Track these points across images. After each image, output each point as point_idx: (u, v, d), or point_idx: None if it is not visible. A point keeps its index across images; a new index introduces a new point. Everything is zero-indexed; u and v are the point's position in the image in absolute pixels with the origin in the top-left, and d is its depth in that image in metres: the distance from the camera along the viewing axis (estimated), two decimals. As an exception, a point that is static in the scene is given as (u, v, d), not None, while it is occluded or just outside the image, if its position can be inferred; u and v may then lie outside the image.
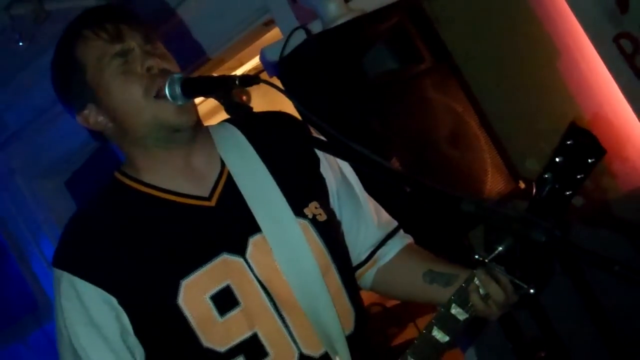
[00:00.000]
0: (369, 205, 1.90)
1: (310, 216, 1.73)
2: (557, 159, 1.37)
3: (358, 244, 1.87)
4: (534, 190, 1.41)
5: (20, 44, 3.50)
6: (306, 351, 1.66)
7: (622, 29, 2.79)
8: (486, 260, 1.35)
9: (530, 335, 3.01)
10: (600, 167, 2.93)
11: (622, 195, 2.97)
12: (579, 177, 1.38)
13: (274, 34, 3.72)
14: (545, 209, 1.37)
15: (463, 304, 1.53)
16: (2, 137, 4.72)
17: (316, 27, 3.04)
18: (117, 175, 1.74)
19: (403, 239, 1.93)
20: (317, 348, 1.67)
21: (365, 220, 1.87)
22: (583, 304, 3.01)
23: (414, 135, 2.82)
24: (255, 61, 4.77)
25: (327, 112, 2.67)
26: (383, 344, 4.86)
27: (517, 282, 1.35)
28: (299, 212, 1.72)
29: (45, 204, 4.80)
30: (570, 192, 1.38)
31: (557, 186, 1.37)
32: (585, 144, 1.36)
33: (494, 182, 2.92)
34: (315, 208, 1.75)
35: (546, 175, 1.38)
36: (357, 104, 2.79)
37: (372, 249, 1.89)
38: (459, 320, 1.53)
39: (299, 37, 2.97)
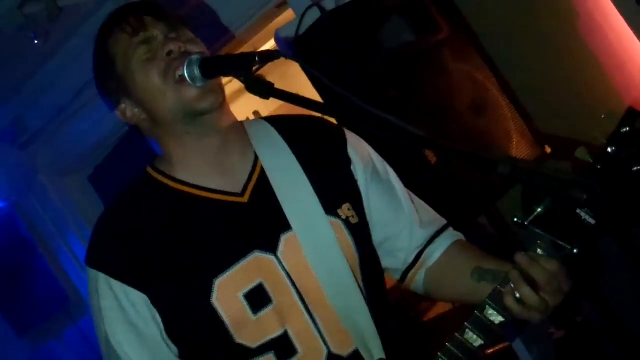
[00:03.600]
0: (411, 205, 1.87)
1: (343, 217, 1.73)
2: (609, 150, 1.25)
3: (404, 247, 1.84)
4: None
5: (36, 42, 3.51)
6: (335, 350, 1.66)
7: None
8: (525, 223, 1.31)
9: (567, 300, 2.97)
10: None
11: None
12: (635, 169, 1.25)
13: (286, 17, 3.69)
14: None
15: (498, 306, 1.46)
16: (24, 137, 4.73)
17: (329, 4, 3.01)
18: (149, 170, 1.75)
19: (451, 237, 1.88)
20: (346, 347, 1.67)
21: (408, 222, 1.84)
22: (628, 264, 2.97)
23: (435, 106, 2.79)
24: (268, 45, 4.74)
25: (346, 88, 2.64)
26: (415, 321, 4.86)
27: (559, 242, 1.30)
28: (332, 212, 1.72)
29: (70, 200, 4.81)
30: (630, 187, 1.24)
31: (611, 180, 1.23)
32: None
33: (520, 149, 2.89)
34: (348, 210, 1.75)
35: (597, 167, 1.26)
36: (375, 79, 2.76)
37: (419, 249, 1.85)
38: (494, 323, 1.47)
39: (313, 15, 2.94)
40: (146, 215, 1.69)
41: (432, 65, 2.87)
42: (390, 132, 1.36)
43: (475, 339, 1.48)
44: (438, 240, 1.85)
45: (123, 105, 1.72)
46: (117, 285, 1.63)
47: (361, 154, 1.83)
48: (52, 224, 4.87)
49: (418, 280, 1.87)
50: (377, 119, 1.36)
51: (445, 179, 2.68)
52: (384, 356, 1.67)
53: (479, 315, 1.48)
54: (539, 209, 1.30)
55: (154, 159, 1.77)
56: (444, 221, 1.90)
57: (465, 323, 1.49)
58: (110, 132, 4.13)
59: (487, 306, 1.47)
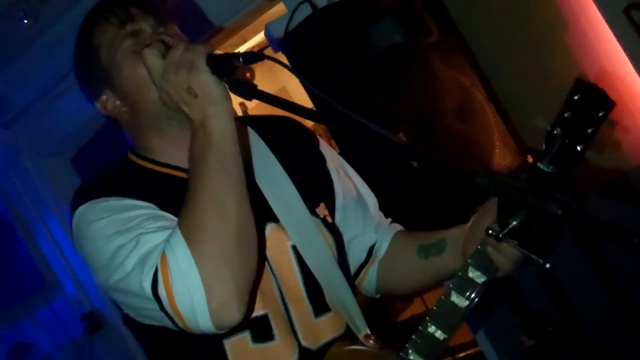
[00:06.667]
0: (375, 205, 1.92)
1: (321, 216, 1.76)
2: (565, 115, 1.34)
3: (363, 245, 1.87)
4: (544, 147, 1.39)
5: (25, 21, 3.49)
6: (305, 343, 1.67)
7: (632, 0, 2.76)
8: (500, 235, 1.33)
9: (539, 310, 3.01)
10: (613, 139, 2.92)
11: (638, 166, 2.95)
12: (589, 131, 1.35)
13: (278, 10, 3.69)
14: (556, 165, 1.35)
15: (481, 266, 1.49)
16: (8, 115, 4.71)
17: (321, 1, 3.01)
18: (131, 156, 1.75)
19: (393, 228, 1.93)
20: (315, 341, 1.69)
21: (372, 221, 1.89)
22: (599, 278, 3.00)
23: (421, 109, 2.80)
24: (258, 37, 4.74)
25: (333, 87, 2.65)
26: (389, 319, 4.89)
27: (533, 256, 1.33)
28: (312, 210, 1.74)
29: (51, 181, 4.79)
30: (582, 146, 1.35)
31: (567, 141, 1.34)
32: (593, 97, 1.33)
33: (502, 157, 2.91)
34: (324, 209, 1.77)
35: (555, 132, 1.36)
36: (363, 79, 2.77)
37: (371, 245, 1.88)
38: (477, 283, 1.49)
39: (304, 11, 2.94)
40: (128, 188, 1.64)
41: (420, 68, 2.88)
42: (372, 139, 1.36)
43: (460, 301, 1.50)
44: (384, 234, 1.89)
45: (104, 97, 1.71)
46: (117, 199, 1.57)
47: (331, 153, 1.88)
48: (31, 205, 4.85)
49: (371, 275, 1.89)
50: (360, 125, 1.37)
51: (427, 181, 2.69)
52: (368, 331, 1.71)
53: (463, 276, 1.50)
54: (514, 222, 1.32)
55: (134, 147, 1.76)
56: (387, 218, 1.95)
57: (451, 285, 1.52)
58: (95, 116, 4.06)
59: (470, 267, 1.50)
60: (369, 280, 1.89)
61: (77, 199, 1.63)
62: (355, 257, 1.86)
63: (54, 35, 4.01)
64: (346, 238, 1.84)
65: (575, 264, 2.94)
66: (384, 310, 4.88)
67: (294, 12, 2.95)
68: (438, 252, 1.70)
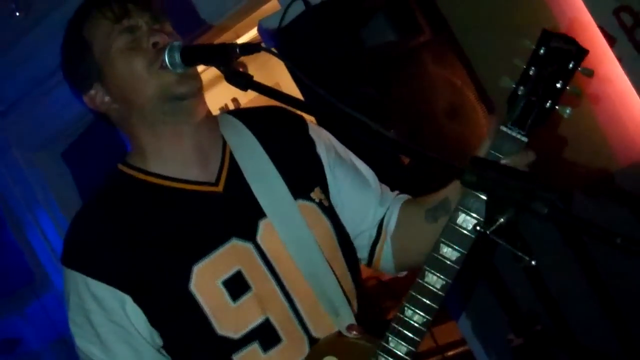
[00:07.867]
0: (376, 181, 1.90)
1: (317, 200, 1.75)
2: (530, 71, 1.30)
3: (370, 223, 1.85)
4: (507, 109, 1.34)
5: (17, 14, 3.47)
6: (316, 334, 1.67)
7: (622, 2, 2.78)
8: (487, 232, 1.33)
9: (528, 309, 3.02)
10: (600, 139, 2.95)
11: (624, 167, 2.97)
12: (559, 85, 1.30)
13: (271, 6, 3.69)
14: (521, 126, 1.32)
15: (453, 241, 1.45)
16: (-1, 108, 4.70)
17: (315, -2, 3.01)
18: (121, 167, 1.73)
19: (400, 199, 1.89)
20: (328, 330, 1.68)
21: (375, 199, 1.86)
22: (584, 276, 3.02)
23: (412, 108, 2.81)
24: (252, 33, 4.73)
25: (326, 84, 2.65)
26: (378, 317, 4.90)
27: (519, 253, 1.32)
28: (305, 195, 1.74)
29: (42, 175, 4.77)
30: (551, 103, 1.31)
31: (533, 99, 1.30)
32: (561, 49, 1.28)
33: (492, 156, 2.91)
34: (320, 193, 1.77)
35: (519, 91, 1.32)
36: (355, 76, 2.77)
37: (379, 221, 1.86)
38: (451, 260, 1.46)
39: (298, 8, 2.95)
40: (122, 211, 1.67)
41: (412, 67, 2.89)
42: (364, 133, 1.37)
43: (436, 280, 1.47)
44: (391, 207, 1.86)
45: (93, 92, 1.70)
46: (94, 285, 1.61)
47: (322, 137, 1.86)
48: (21, 198, 4.82)
49: (386, 252, 1.85)
50: (353, 119, 1.37)
51: (418, 181, 2.70)
52: (353, 322, 1.68)
53: (435, 255, 1.46)
54: (502, 219, 1.31)
55: (124, 155, 1.76)
56: (393, 191, 1.92)
57: (425, 266, 1.47)
58: (87, 110, 4.09)
59: (441, 244, 1.45)
60: (385, 257, 1.86)
61: (63, 251, 1.68)
62: (365, 235, 1.84)
63: (46, 28, 3.99)
64: (349, 215, 1.82)
65: (562, 263, 2.96)
66: (374, 308, 4.89)
67: (287, 8, 2.96)
68: (446, 211, 1.63)
